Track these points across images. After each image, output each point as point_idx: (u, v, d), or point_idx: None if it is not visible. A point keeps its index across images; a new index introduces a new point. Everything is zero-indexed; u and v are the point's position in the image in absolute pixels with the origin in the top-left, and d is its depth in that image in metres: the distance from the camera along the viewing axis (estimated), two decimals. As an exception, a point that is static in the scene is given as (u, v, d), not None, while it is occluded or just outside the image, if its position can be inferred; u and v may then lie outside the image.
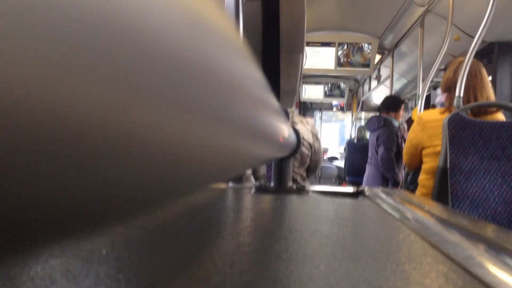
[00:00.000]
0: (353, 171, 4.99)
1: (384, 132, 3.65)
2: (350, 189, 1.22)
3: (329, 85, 6.97)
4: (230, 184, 1.28)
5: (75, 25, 0.07)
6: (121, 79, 0.09)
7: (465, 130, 1.86)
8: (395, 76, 5.08)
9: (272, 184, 1.16)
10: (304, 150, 2.09)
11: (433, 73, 2.83)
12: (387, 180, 3.72)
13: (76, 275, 0.39)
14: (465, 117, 1.85)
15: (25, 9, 0.06)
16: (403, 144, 3.67)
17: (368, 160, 3.99)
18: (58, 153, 0.08)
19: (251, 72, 0.24)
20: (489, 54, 3.36)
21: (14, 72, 0.06)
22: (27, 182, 0.07)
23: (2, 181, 0.07)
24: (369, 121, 4.00)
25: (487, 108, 1.97)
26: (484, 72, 2.09)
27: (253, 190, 1.13)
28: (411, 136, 2.13)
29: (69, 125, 0.08)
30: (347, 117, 8.39)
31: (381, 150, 3.68)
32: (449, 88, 2.11)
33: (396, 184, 3.62)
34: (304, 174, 2.59)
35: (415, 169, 2.21)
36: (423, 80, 3.34)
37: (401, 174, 3.71)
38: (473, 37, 2.08)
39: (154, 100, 0.11)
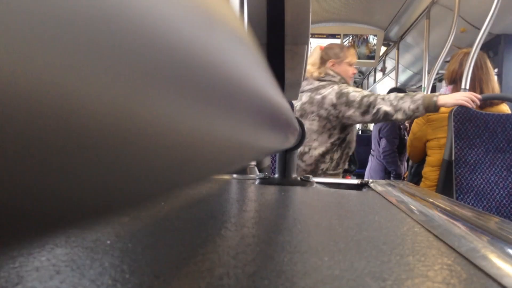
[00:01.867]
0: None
1: (387, 124, 3.63)
2: (354, 181, 1.22)
3: (334, 77, 6.91)
4: (234, 175, 1.28)
5: (77, 19, 0.07)
6: (127, 69, 0.09)
7: (471, 122, 1.86)
8: (401, 68, 5.06)
9: (276, 175, 1.16)
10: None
11: (439, 65, 2.82)
12: (389, 173, 3.71)
13: (80, 265, 0.39)
14: (470, 109, 1.85)
15: (27, 7, 0.06)
16: (406, 136, 3.66)
17: (371, 152, 3.98)
18: (64, 142, 0.08)
19: (255, 64, 0.24)
20: (495, 46, 3.34)
21: (15, 68, 0.06)
22: (33, 171, 0.07)
23: (8, 170, 0.07)
24: None
25: (492, 100, 1.97)
26: (489, 63, 2.08)
27: (257, 182, 1.13)
28: (415, 129, 2.12)
29: (77, 115, 0.08)
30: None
31: (383, 142, 3.66)
32: (454, 80, 2.10)
33: (398, 177, 3.61)
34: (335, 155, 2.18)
35: (419, 162, 2.21)
36: (428, 72, 3.33)
37: (404, 167, 3.70)
38: (479, 29, 2.07)
39: (159, 91, 0.11)
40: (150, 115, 0.11)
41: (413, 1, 3.79)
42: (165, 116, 0.12)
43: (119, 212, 0.12)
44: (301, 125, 1.05)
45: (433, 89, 3.07)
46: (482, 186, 1.85)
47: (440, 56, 2.76)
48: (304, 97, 2.18)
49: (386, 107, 1.89)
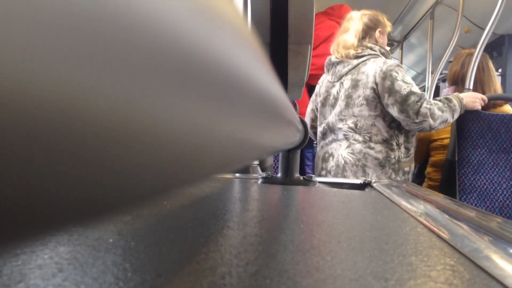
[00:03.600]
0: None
1: None
2: (357, 180, 1.22)
3: (337, 77, 6.88)
4: (237, 174, 1.28)
5: (80, 17, 0.07)
6: (132, 67, 0.09)
7: (474, 122, 1.85)
8: (404, 68, 5.05)
9: (279, 175, 1.16)
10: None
11: (442, 66, 2.81)
12: None
13: (83, 263, 0.39)
14: (474, 109, 1.84)
15: (27, 7, 0.06)
16: None
17: None
18: (67, 140, 0.08)
19: (258, 63, 0.24)
20: (499, 46, 3.33)
21: (15, 68, 0.06)
22: (36, 169, 0.07)
23: (11, 168, 0.07)
24: None
25: (495, 101, 1.96)
26: (491, 65, 2.08)
27: (260, 181, 1.13)
28: None
29: (81, 113, 0.08)
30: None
31: None
32: (456, 82, 2.10)
33: None
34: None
35: (422, 162, 2.21)
36: (432, 72, 3.32)
37: None
38: (483, 29, 2.06)
39: (163, 89, 0.11)
40: (153, 114, 0.11)
41: (417, 1, 3.78)
42: (168, 114, 0.12)
43: (121, 211, 0.12)
44: (304, 124, 1.05)
45: (437, 89, 3.07)
46: (485, 186, 1.85)
47: (444, 56, 2.75)
48: (345, 83, 1.89)
49: (432, 122, 1.69)
